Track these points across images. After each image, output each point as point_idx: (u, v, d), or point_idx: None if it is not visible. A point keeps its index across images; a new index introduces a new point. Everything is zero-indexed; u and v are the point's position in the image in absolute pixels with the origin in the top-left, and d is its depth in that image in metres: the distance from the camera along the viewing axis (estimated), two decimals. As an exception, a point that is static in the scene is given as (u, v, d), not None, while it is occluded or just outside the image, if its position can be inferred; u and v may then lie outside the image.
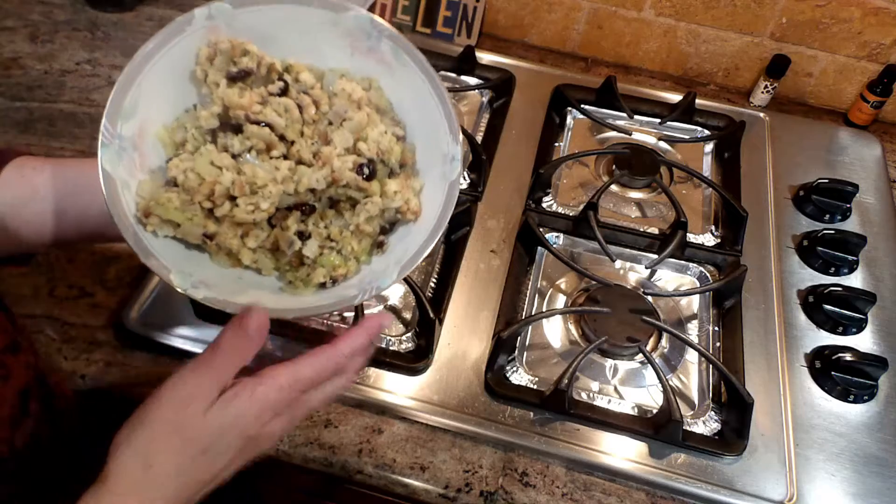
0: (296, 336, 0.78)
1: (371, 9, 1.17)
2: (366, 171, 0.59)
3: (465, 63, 1.09)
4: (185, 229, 0.56)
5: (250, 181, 0.56)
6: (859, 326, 0.85)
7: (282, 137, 0.59)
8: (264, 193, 0.56)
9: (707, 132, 1.07)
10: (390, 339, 0.79)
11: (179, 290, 0.53)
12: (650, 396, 0.79)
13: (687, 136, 1.07)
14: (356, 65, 0.63)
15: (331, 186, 0.59)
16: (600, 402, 0.77)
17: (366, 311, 0.80)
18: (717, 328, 0.85)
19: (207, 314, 0.79)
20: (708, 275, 0.90)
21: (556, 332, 0.84)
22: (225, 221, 0.57)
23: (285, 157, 0.59)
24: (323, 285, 0.59)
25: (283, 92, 0.59)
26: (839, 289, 0.86)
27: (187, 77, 0.60)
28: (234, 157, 0.58)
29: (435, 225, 0.59)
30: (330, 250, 0.61)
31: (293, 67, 0.61)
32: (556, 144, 1.05)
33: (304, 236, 0.60)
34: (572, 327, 0.84)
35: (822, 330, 0.85)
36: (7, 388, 0.53)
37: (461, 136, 0.61)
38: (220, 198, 0.56)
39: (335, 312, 0.82)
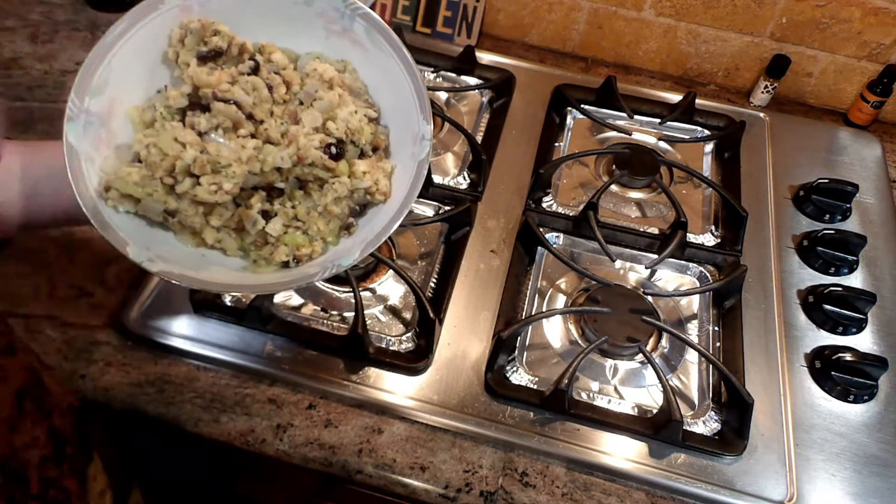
0: (297, 336, 0.78)
1: (371, 8, 1.17)
2: (333, 150, 0.59)
3: (465, 63, 1.09)
4: (146, 205, 0.56)
5: (213, 160, 0.55)
6: (859, 326, 0.85)
7: (250, 117, 0.58)
8: (228, 173, 0.55)
9: (707, 132, 1.07)
10: (390, 339, 0.79)
11: (135, 262, 0.53)
12: (650, 396, 0.79)
13: (687, 136, 1.07)
14: (331, 46, 0.63)
15: (297, 166, 0.58)
16: (600, 402, 0.77)
17: (365, 311, 0.80)
18: (717, 328, 0.85)
19: (204, 307, 0.79)
20: (708, 275, 0.90)
21: (556, 332, 0.84)
22: (186, 199, 0.56)
23: (253, 137, 0.58)
24: (286, 265, 0.59)
25: (254, 71, 0.59)
26: (839, 289, 0.86)
27: (160, 58, 0.59)
28: (200, 135, 0.57)
29: (401, 204, 0.59)
30: (295, 229, 0.60)
31: (266, 48, 0.61)
32: (556, 144, 1.05)
33: (268, 215, 0.60)
34: (572, 327, 0.84)
35: (822, 330, 0.85)
36: (4, 389, 0.53)
37: (432, 116, 0.60)
38: (180, 174, 0.55)
39: (333, 312, 0.82)
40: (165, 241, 0.58)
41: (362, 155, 0.62)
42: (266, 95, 0.59)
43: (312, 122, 0.59)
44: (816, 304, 0.86)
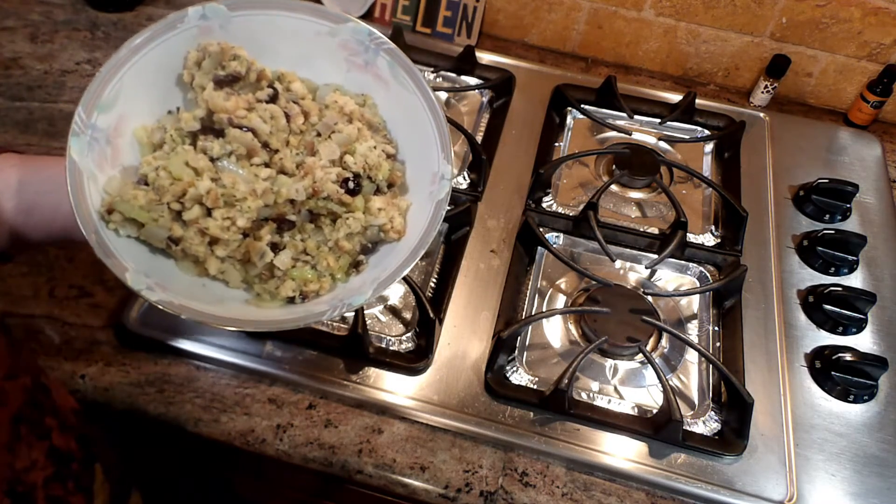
0: (297, 336, 0.78)
1: (371, 9, 1.17)
2: (350, 184, 0.57)
3: (465, 63, 1.09)
4: (149, 231, 0.54)
5: (227, 193, 0.53)
6: (859, 326, 0.85)
7: (266, 145, 0.57)
8: (242, 208, 0.54)
9: (707, 132, 1.07)
10: (390, 339, 0.79)
11: (133, 289, 0.51)
12: (650, 396, 0.79)
13: (687, 136, 1.07)
14: (351, 79, 0.61)
15: (311, 198, 0.57)
16: (600, 402, 0.77)
17: (365, 311, 0.80)
18: (717, 328, 0.85)
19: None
20: (708, 275, 0.90)
21: (556, 332, 0.84)
22: (193, 227, 0.54)
23: (266, 166, 0.56)
24: (292, 300, 0.57)
25: (272, 99, 0.57)
26: (839, 289, 0.86)
27: (173, 78, 0.58)
28: (212, 160, 0.55)
29: (417, 244, 0.57)
30: (304, 264, 0.58)
31: (285, 76, 0.59)
32: (556, 144, 1.05)
33: (277, 248, 0.57)
34: (572, 327, 0.84)
35: (822, 330, 0.85)
36: (3, 413, 0.52)
37: (453, 155, 0.59)
38: (189, 201, 0.53)
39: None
40: (166, 268, 0.56)
41: (378, 191, 0.60)
42: (283, 125, 0.57)
43: (329, 155, 0.57)
44: (816, 304, 0.86)
